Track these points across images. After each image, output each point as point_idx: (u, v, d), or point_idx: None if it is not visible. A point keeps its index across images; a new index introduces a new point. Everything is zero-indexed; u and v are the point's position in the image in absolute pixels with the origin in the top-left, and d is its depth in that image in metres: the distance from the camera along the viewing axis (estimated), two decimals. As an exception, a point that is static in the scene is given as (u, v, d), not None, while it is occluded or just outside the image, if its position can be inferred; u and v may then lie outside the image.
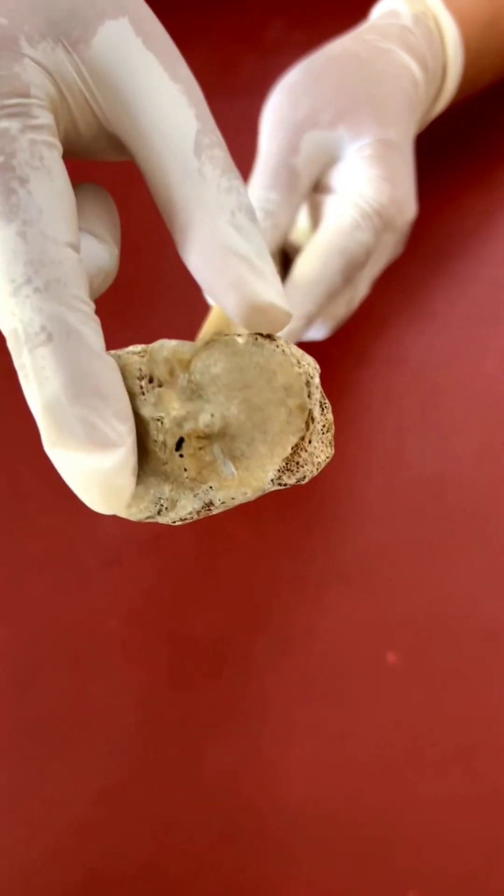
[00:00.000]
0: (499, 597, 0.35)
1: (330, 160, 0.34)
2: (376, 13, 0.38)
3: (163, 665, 0.35)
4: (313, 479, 0.20)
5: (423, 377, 0.39)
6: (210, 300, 0.24)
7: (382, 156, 0.33)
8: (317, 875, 0.31)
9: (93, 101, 0.18)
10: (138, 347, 0.19)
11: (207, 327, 0.24)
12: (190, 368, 0.19)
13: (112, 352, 0.19)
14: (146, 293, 0.41)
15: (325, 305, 0.33)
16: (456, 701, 0.33)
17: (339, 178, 0.34)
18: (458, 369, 0.39)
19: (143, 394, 0.19)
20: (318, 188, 0.34)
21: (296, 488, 0.20)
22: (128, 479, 0.16)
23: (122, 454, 0.16)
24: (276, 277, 0.18)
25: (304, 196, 0.33)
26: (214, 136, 0.19)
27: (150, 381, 0.19)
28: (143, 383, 0.19)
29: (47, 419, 0.16)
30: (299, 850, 0.32)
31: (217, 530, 0.37)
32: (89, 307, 0.17)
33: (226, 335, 0.19)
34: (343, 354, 0.40)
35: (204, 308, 0.35)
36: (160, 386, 0.19)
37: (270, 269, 0.18)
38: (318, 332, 0.36)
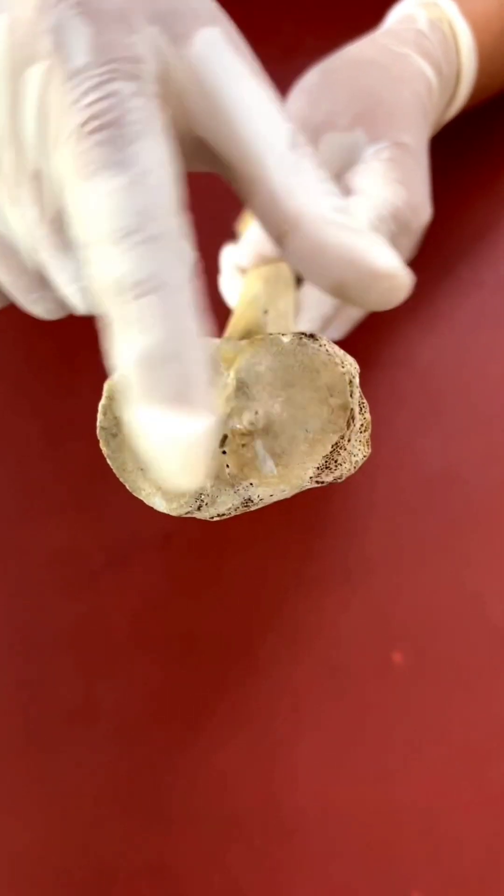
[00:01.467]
0: (505, 597, 0.35)
1: (346, 163, 0.34)
2: (392, 18, 0.38)
3: (169, 664, 0.35)
4: None
5: (429, 379, 0.40)
6: (266, 299, 0.24)
7: (399, 159, 0.33)
8: (320, 874, 0.32)
9: (189, 98, 0.18)
10: None
11: (234, 326, 0.24)
12: (234, 366, 0.19)
13: None
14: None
15: (341, 307, 0.33)
16: (462, 700, 0.34)
17: (355, 180, 0.34)
18: (464, 372, 0.40)
19: None
20: None
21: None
22: (210, 453, 0.15)
23: (212, 421, 0.15)
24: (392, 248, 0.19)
25: None
26: (304, 136, 0.19)
27: None
28: None
29: (142, 371, 0.15)
30: (303, 849, 0.32)
31: (224, 529, 0.37)
32: (195, 266, 0.16)
33: (270, 334, 0.19)
34: (351, 355, 0.40)
35: (212, 315, 0.35)
36: None
37: (384, 241, 0.18)
38: (332, 333, 0.36)
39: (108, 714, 0.34)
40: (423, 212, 0.34)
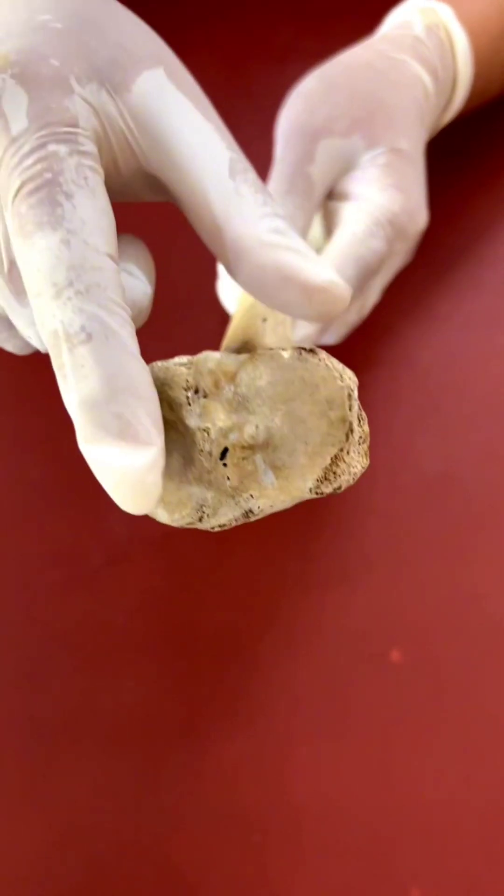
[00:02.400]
0: (503, 596, 0.36)
1: (344, 168, 0.34)
2: (389, 23, 0.38)
3: (168, 662, 0.35)
4: None
5: (428, 379, 0.40)
6: (264, 307, 0.24)
7: (395, 165, 0.34)
8: (320, 872, 0.32)
9: (133, 140, 0.20)
10: (184, 359, 0.20)
11: (232, 334, 0.25)
12: (235, 381, 0.19)
13: (159, 363, 0.20)
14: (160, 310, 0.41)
15: None
16: (460, 699, 0.34)
17: (353, 186, 0.34)
18: (463, 371, 0.40)
19: (190, 404, 0.19)
20: (331, 196, 0.35)
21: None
22: (158, 479, 0.17)
23: (154, 453, 0.17)
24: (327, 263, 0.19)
25: (318, 204, 0.34)
26: (245, 163, 0.20)
27: (196, 391, 0.19)
28: (189, 394, 0.19)
29: (84, 415, 0.17)
30: (303, 848, 0.32)
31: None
32: (126, 312, 0.18)
33: (271, 349, 0.20)
34: (350, 356, 0.40)
35: (211, 322, 0.36)
36: (205, 397, 0.19)
37: (318, 257, 0.19)
38: (329, 338, 0.36)
39: (108, 713, 0.35)
40: (420, 216, 0.35)
